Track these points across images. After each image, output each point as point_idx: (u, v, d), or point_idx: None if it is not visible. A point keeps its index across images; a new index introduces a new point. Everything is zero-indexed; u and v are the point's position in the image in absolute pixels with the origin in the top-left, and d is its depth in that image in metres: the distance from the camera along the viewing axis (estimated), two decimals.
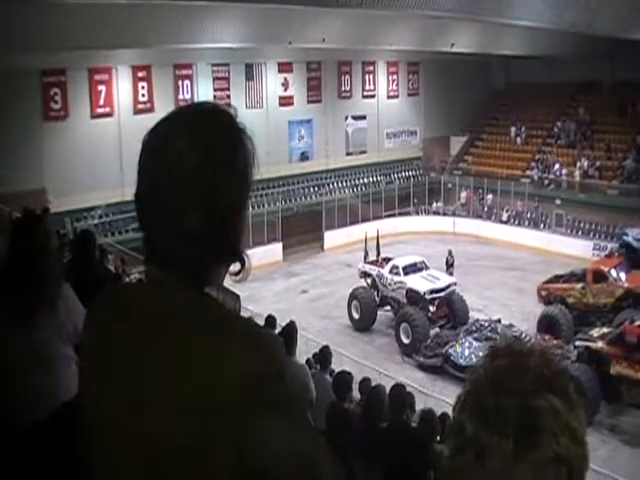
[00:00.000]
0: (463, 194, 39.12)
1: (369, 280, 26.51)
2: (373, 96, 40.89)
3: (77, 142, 29.18)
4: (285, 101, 36.95)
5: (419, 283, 24.32)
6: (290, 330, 8.98)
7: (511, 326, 21.94)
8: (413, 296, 24.23)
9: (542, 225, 35.81)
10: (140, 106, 31.32)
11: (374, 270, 26.39)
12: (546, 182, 36.58)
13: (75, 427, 1.60)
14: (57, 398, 3.28)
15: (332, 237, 35.77)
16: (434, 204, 39.55)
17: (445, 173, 40.58)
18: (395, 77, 41.77)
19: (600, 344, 18.65)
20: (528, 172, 37.84)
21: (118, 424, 1.41)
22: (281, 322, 11.85)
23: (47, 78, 28.55)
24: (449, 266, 28.77)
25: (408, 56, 39.38)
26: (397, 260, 26.03)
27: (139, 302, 1.49)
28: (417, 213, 39.32)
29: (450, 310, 24.29)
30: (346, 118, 39.86)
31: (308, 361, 12.35)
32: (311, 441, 1.42)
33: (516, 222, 36.72)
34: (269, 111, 35.04)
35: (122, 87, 31.02)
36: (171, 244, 1.45)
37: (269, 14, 25.46)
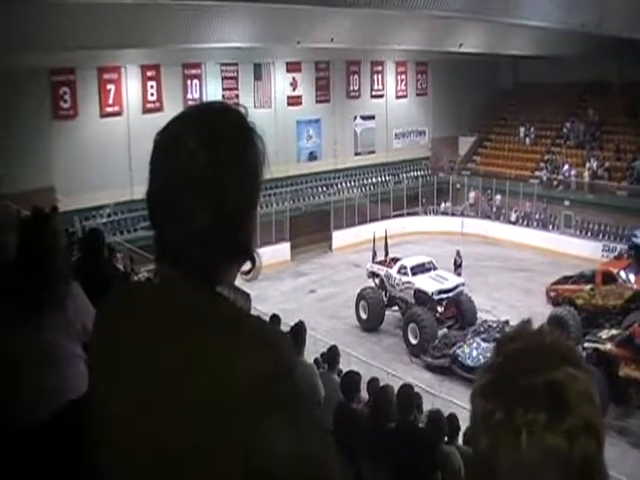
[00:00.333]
0: (471, 194, 39.05)
1: (377, 280, 26.49)
2: (382, 96, 40.87)
3: (86, 141, 29.26)
4: (293, 101, 36.96)
5: (427, 283, 24.29)
6: (299, 330, 8.97)
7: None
8: (421, 296, 24.20)
9: (551, 226, 35.72)
10: (149, 105, 31.40)
11: (382, 270, 26.37)
12: (555, 183, 36.46)
13: (83, 425, 1.60)
14: (65, 396, 3.28)
15: (340, 237, 35.76)
16: (442, 204, 39.50)
17: (453, 173, 40.52)
18: (404, 77, 41.73)
19: (609, 346, 18.57)
20: (537, 173, 37.73)
21: (127, 423, 1.41)
22: (289, 322, 11.84)
23: (56, 77, 28.64)
24: (457, 266, 28.72)
25: (416, 56, 39.35)
26: (405, 260, 26.00)
27: (149, 301, 1.50)
28: (425, 213, 39.26)
29: (458, 311, 24.25)
30: (354, 118, 39.85)
31: (316, 361, 12.34)
32: (319, 441, 1.42)
33: (525, 223, 36.62)
34: (277, 111, 35.05)
35: (131, 86, 31.10)
36: (182, 243, 1.45)
37: (277, 14, 25.47)
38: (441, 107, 41.76)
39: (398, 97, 41.60)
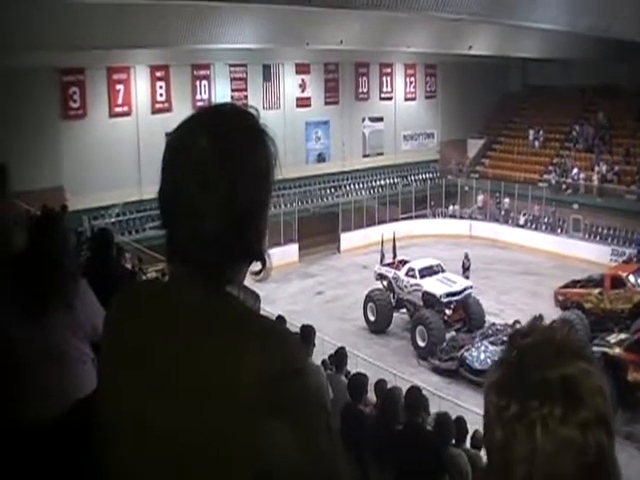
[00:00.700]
0: (480, 197, 39.00)
1: (385, 282, 26.47)
2: (390, 98, 40.88)
3: (95, 141, 29.35)
4: (302, 102, 37.01)
5: (435, 286, 24.26)
6: (308, 332, 8.95)
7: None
8: (429, 299, 24.16)
9: (559, 229, 35.63)
10: (158, 106, 31.49)
11: (390, 272, 26.35)
12: (564, 186, 36.36)
13: (91, 424, 1.59)
14: (72, 395, 3.28)
15: (348, 239, 35.77)
16: (451, 207, 39.47)
17: (462, 176, 40.46)
18: (412, 79, 41.74)
19: (617, 350, 18.50)
20: (546, 176, 37.63)
21: (136, 421, 1.40)
22: (297, 323, 11.82)
23: (66, 77, 28.77)
24: (465, 269, 28.71)
25: (425, 58, 39.36)
26: (413, 263, 25.98)
27: (159, 300, 1.50)
28: (434, 216, 39.21)
29: (466, 314, 24.21)
30: (363, 120, 39.89)
31: (324, 362, 12.34)
32: (328, 441, 1.41)
33: (533, 226, 36.55)
34: (286, 112, 35.09)
35: (140, 87, 31.19)
36: (192, 243, 1.45)
37: (287, 15, 25.50)
38: (450, 109, 41.72)
39: (407, 99, 41.61)
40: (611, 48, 31.14)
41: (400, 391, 7.78)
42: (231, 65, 33.61)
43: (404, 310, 25.84)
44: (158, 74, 31.63)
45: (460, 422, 9.35)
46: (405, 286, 25.31)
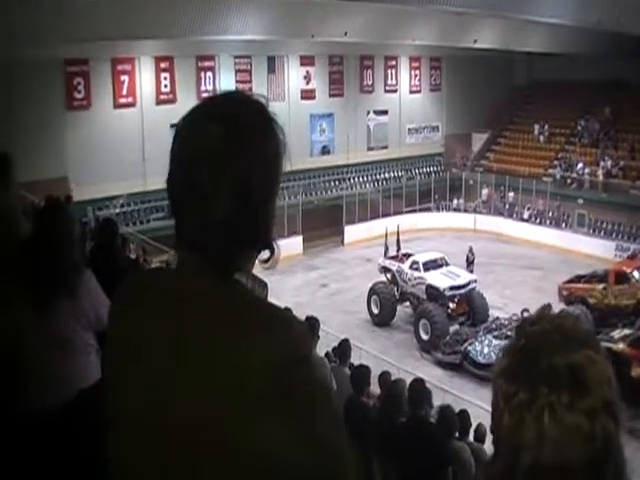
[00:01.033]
0: (484, 191, 38.96)
1: (389, 275, 26.46)
2: (395, 91, 40.79)
3: (100, 132, 29.36)
4: (307, 94, 36.96)
5: (439, 279, 24.25)
6: (312, 324, 8.95)
7: None
8: (433, 292, 24.15)
9: (564, 224, 35.58)
10: (162, 97, 31.47)
11: (394, 265, 26.34)
12: (568, 181, 36.31)
13: (94, 413, 1.59)
14: (76, 385, 3.28)
15: (352, 232, 35.76)
16: (455, 201, 39.42)
17: (466, 170, 40.42)
18: (417, 72, 41.64)
19: (621, 346, 18.48)
20: (550, 171, 37.57)
21: (143, 413, 1.40)
22: (301, 315, 11.81)
23: (70, 68, 28.74)
24: (469, 263, 28.70)
25: (430, 51, 39.26)
26: (417, 256, 25.98)
27: (167, 287, 1.50)
28: (438, 209, 39.19)
29: (470, 307, 24.19)
30: (368, 113, 39.80)
31: (327, 355, 12.33)
32: (334, 429, 1.41)
33: (537, 221, 36.48)
34: (291, 104, 34.98)
35: (145, 78, 31.17)
36: (202, 231, 1.45)
37: (292, 7, 25.47)
38: (455, 103, 41.64)
39: (411, 92, 41.51)
40: (618, 43, 31.03)
41: (404, 384, 7.78)
42: (236, 57, 33.56)
43: (408, 303, 25.84)
44: (163, 65, 31.60)
45: (463, 415, 9.34)
46: (409, 279, 25.30)
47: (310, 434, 1.35)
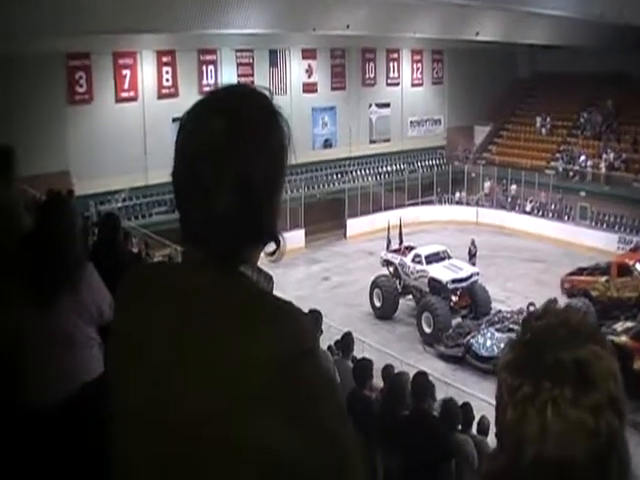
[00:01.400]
0: (486, 184, 38.91)
1: (391, 268, 26.47)
2: (397, 84, 40.72)
3: (101, 126, 29.34)
4: (309, 88, 36.91)
5: (441, 272, 24.24)
6: (315, 317, 8.95)
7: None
8: (435, 285, 24.16)
9: (566, 217, 35.54)
10: (164, 91, 31.42)
11: (396, 259, 26.35)
12: (571, 174, 36.26)
13: (98, 407, 1.59)
14: (79, 379, 3.28)
15: (354, 225, 35.76)
16: (457, 194, 39.38)
17: (469, 163, 40.37)
18: (419, 65, 41.55)
19: (624, 338, 18.49)
20: (553, 163, 37.52)
21: (147, 407, 1.40)
22: (303, 309, 11.80)
23: (72, 62, 28.73)
24: (472, 256, 28.69)
25: (432, 44, 39.17)
26: (420, 249, 25.98)
27: (172, 281, 1.49)
28: (440, 202, 39.18)
29: (472, 300, 24.20)
30: (370, 106, 39.74)
31: (330, 348, 12.35)
32: (339, 421, 1.41)
33: (540, 213, 36.45)
34: (293, 98, 34.90)
35: (146, 72, 31.12)
36: (206, 224, 1.45)
37: (293, 0, 25.42)
38: (457, 96, 41.55)
39: (414, 85, 41.44)
40: (621, 35, 30.96)
41: (407, 377, 7.78)
42: (237, 50, 33.51)
43: (410, 296, 25.85)
44: (164, 59, 31.55)
45: (466, 408, 9.36)
46: (411, 272, 25.31)
47: (315, 427, 1.34)
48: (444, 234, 33.85)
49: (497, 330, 21.02)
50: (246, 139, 1.44)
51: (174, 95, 31.00)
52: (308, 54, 36.45)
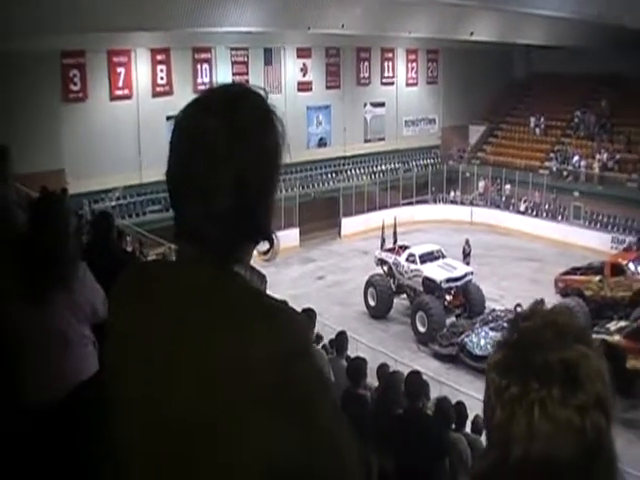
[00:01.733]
0: (481, 184, 38.98)
1: (385, 268, 26.47)
2: (392, 83, 40.74)
3: (96, 124, 29.26)
4: (303, 87, 36.89)
5: (436, 272, 24.26)
6: (309, 316, 8.95)
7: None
8: (429, 284, 24.17)
9: (560, 217, 35.61)
10: (159, 89, 31.36)
11: (391, 258, 26.36)
12: (565, 174, 36.33)
13: (94, 406, 1.59)
14: (74, 378, 3.28)
15: (349, 224, 35.77)
16: (452, 193, 39.44)
17: (463, 162, 40.43)
18: (414, 65, 41.59)
19: (617, 338, 18.55)
20: (547, 163, 37.61)
21: (144, 402, 1.39)
22: (298, 308, 11.81)
23: (66, 59, 28.62)
24: (466, 255, 28.72)
25: (427, 44, 39.23)
26: (414, 248, 25.99)
27: (168, 279, 1.49)
28: (435, 202, 39.22)
29: (466, 299, 24.22)
30: (364, 105, 39.76)
31: (324, 347, 12.35)
32: (334, 421, 1.41)
33: (534, 213, 36.54)
34: (287, 96, 34.88)
35: (141, 70, 31.04)
36: (201, 223, 1.45)
37: None
38: (451, 95, 41.60)
39: (408, 85, 41.46)
40: (615, 36, 31.01)
41: (401, 376, 7.79)
42: (232, 48, 33.47)
43: (404, 295, 25.86)
44: (159, 57, 31.48)
45: (460, 407, 9.38)
46: (405, 271, 25.32)
47: (310, 427, 1.34)
48: (438, 233, 33.87)
49: (491, 329, 21.03)
50: (241, 138, 1.44)
51: (169, 93, 30.95)
52: (303, 53, 36.42)
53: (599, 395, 1.20)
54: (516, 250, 32.57)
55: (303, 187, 34.97)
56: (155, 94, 31.14)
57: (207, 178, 1.42)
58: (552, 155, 37.77)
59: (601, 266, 24.67)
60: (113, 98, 30.35)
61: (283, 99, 33.69)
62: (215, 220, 1.43)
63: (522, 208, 36.92)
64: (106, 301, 3.22)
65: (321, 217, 34.67)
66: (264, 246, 1.53)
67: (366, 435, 6.42)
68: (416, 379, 7.70)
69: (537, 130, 39.89)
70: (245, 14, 26.17)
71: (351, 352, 12.42)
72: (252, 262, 1.56)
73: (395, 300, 25.81)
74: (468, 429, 9.62)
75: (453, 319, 23.51)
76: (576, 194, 34.98)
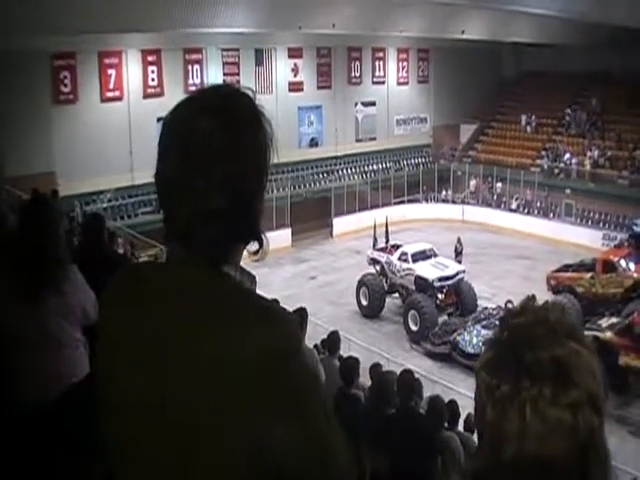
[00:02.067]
0: (472, 182, 39.02)
1: (378, 267, 26.47)
2: (383, 82, 40.77)
3: (86, 126, 29.15)
4: (295, 87, 36.86)
5: (428, 270, 24.27)
6: (301, 316, 8.93)
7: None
8: (422, 283, 24.19)
9: (551, 214, 35.71)
10: (150, 90, 31.29)
11: (383, 257, 26.36)
12: (556, 171, 36.42)
13: (84, 407, 1.59)
14: (66, 380, 3.28)
15: (341, 223, 35.76)
16: (443, 192, 39.48)
17: (455, 161, 40.46)
18: (405, 64, 41.62)
19: (609, 334, 18.58)
20: (538, 161, 37.67)
21: (136, 402, 1.40)
22: (290, 308, 11.80)
23: (57, 61, 28.53)
24: (458, 254, 28.74)
25: (418, 43, 39.27)
26: (406, 247, 25.99)
27: (159, 280, 1.50)
28: (426, 200, 39.23)
29: (458, 298, 24.24)
30: (356, 104, 39.76)
31: (316, 346, 12.33)
32: (325, 420, 1.41)
33: (525, 211, 36.61)
34: (278, 97, 34.90)
35: (132, 71, 30.96)
36: (192, 223, 1.45)
37: None
38: (443, 94, 41.63)
39: (399, 84, 41.48)
40: (605, 34, 31.12)
41: (393, 375, 7.80)
42: (223, 49, 33.43)
43: (397, 294, 25.88)
44: (150, 58, 31.40)
45: (452, 405, 9.40)
46: (398, 271, 25.32)
47: (302, 426, 1.35)
48: (430, 232, 33.91)
49: (483, 327, 21.06)
50: (231, 139, 1.45)
51: (160, 94, 30.87)
52: (294, 53, 36.40)
53: (591, 392, 1.20)
54: (508, 248, 32.63)
55: (295, 187, 34.96)
56: (146, 95, 31.07)
57: (197, 179, 1.43)
58: (543, 153, 37.85)
59: (593, 263, 24.71)
60: (104, 100, 30.25)
61: (274, 99, 33.71)
62: (205, 221, 1.44)
63: (514, 206, 36.99)
64: (97, 303, 3.22)
65: (313, 217, 34.64)
66: (254, 246, 1.54)
67: (359, 434, 6.43)
68: (408, 378, 7.71)
69: (528, 128, 39.97)
70: (236, 14, 26.13)
71: (344, 352, 12.42)
72: (242, 262, 1.56)
73: (387, 299, 25.82)
74: (461, 427, 9.64)
75: (445, 318, 23.52)
76: (567, 191, 35.06)
